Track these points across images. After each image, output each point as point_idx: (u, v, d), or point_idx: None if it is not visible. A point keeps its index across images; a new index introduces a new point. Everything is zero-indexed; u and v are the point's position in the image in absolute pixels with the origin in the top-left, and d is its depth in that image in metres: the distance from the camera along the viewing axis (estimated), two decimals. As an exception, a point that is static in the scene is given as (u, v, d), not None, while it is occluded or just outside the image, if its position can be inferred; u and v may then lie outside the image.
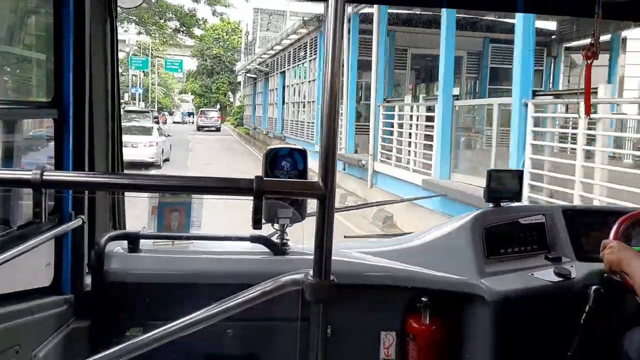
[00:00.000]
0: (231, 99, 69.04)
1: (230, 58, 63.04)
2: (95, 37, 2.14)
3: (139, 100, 63.04)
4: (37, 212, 1.36)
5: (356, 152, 15.21)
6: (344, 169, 14.81)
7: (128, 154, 19.84)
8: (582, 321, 2.09)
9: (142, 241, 2.24)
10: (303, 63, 21.37)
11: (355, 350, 2.30)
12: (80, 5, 2.01)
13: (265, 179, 1.40)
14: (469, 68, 17.98)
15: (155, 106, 64.80)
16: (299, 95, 22.13)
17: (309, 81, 20.28)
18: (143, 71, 62.16)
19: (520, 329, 2.21)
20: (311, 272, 1.47)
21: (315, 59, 19.40)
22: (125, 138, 22.13)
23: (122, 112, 2.50)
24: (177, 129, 42.62)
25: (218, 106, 65.92)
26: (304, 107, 21.07)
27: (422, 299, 2.26)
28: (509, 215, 2.49)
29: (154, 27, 34.67)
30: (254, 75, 35.39)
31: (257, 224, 1.42)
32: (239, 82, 59.75)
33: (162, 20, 34.49)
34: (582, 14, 3.24)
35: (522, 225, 2.48)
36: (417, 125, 11.16)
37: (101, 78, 2.23)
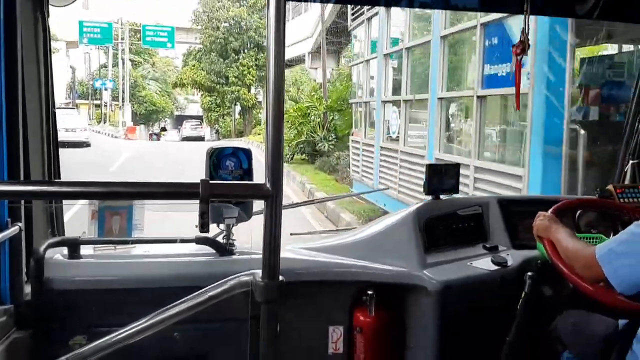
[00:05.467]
0: (259, 96, 40.73)
1: (258, 24, 38.15)
2: (26, 37, 2.06)
3: (122, 101, 44.53)
4: None
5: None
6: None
7: (68, 137, 25.64)
8: (518, 307, 2.19)
9: (82, 247, 2.19)
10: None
11: (304, 346, 2.32)
12: (9, 4, 1.93)
13: (211, 182, 1.39)
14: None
15: (125, 108, 44.96)
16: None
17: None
18: (111, 55, 44.63)
19: (461, 317, 2.29)
20: (259, 273, 1.48)
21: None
22: (63, 125, 24.99)
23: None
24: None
25: (238, 108, 42.44)
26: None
27: (368, 292, 2.30)
28: (448, 208, 2.58)
29: None
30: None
31: (203, 228, 1.41)
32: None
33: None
34: (512, 11, 3.38)
35: (460, 216, 2.57)
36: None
37: (34, 79, 2.15)
